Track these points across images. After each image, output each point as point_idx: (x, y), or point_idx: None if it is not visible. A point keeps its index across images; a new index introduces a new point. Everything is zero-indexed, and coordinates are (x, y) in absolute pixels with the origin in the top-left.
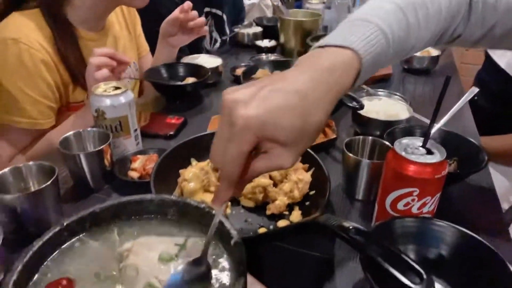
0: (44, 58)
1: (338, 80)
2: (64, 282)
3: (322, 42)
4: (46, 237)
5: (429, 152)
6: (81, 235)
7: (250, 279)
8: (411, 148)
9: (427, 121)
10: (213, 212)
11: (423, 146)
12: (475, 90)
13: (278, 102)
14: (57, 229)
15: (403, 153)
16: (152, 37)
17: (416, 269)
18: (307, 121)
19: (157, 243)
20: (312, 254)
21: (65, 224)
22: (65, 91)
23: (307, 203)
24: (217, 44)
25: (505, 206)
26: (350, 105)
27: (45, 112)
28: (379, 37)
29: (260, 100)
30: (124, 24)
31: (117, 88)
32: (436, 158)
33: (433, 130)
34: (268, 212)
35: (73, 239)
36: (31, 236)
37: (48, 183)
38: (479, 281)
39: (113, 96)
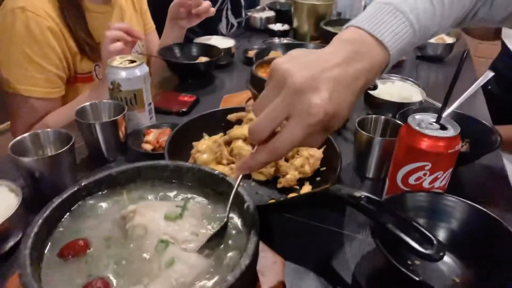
0: (50, 26)
1: (365, 65)
2: (81, 242)
3: (355, 22)
4: (65, 195)
5: (443, 128)
6: (96, 196)
7: (261, 245)
8: (424, 123)
9: (440, 105)
10: (227, 178)
11: (437, 121)
12: (490, 74)
13: (344, 97)
14: (75, 188)
15: (416, 128)
16: (158, 17)
17: (426, 235)
18: (348, 110)
19: (159, 205)
20: (322, 226)
21: (83, 184)
22: (72, 61)
23: (318, 178)
24: (234, 28)
25: None
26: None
27: (53, 81)
28: (407, 28)
29: (329, 91)
30: (130, 0)
31: (132, 61)
32: (449, 133)
33: (447, 112)
34: (279, 186)
35: (89, 200)
36: (47, 199)
37: (65, 148)
38: (489, 255)
39: (128, 69)
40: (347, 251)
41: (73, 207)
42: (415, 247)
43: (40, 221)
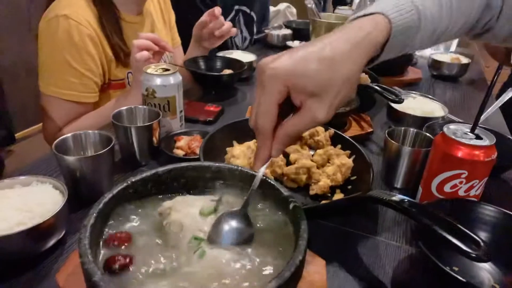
0: (90, 34)
1: (367, 36)
2: (123, 235)
3: (353, 16)
4: (115, 190)
5: (478, 137)
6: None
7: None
8: (460, 132)
9: (462, 120)
10: (267, 178)
11: (472, 131)
12: (511, 91)
13: (305, 53)
14: (124, 185)
15: (453, 136)
16: (183, 35)
17: (472, 237)
18: (335, 71)
19: (194, 200)
20: (356, 232)
21: (130, 182)
22: (108, 67)
23: (349, 187)
24: (246, 42)
25: None
26: (391, 98)
27: (89, 86)
28: (411, 7)
29: (287, 54)
30: (161, 14)
31: (166, 69)
32: (486, 142)
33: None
34: (311, 192)
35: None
36: (85, 199)
37: (107, 149)
38: None
39: (163, 76)
40: (382, 256)
41: (122, 203)
42: (463, 248)
43: (95, 214)
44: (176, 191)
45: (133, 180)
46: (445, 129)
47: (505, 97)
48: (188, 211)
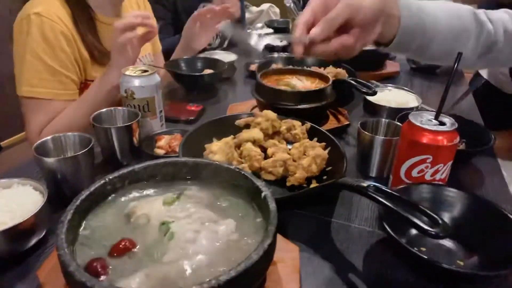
0: (63, 31)
1: None
2: (127, 243)
3: None
4: (92, 188)
5: (442, 123)
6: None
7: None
8: (425, 119)
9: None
10: (243, 172)
11: (436, 118)
12: (482, 79)
13: None
14: (101, 182)
15: (418, 123)
16: None
17: (432, 216)
18: None
19: (158, 197)
20: (331, 220)
21: (107, 178)
22: (83, 67)
23: (324, 177)
24: (218, 39)
25: None
26: (364, 90)
27: (66, 83)
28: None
29: None
30: (138, 10)
31: (145, 71)
32: (448, 127)
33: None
34: (288, 184)
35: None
36: (68, 200)
37: (85, 150)
38: (490, 239)
39: (142, 77)
40: (356, 241)
41: (98, 202)
42: (423, 227)
43: (72, 210)
44: (154, 186)
45: (111, 177)
46: (411, 116)
47: (475, 85)
48: (152, 205)
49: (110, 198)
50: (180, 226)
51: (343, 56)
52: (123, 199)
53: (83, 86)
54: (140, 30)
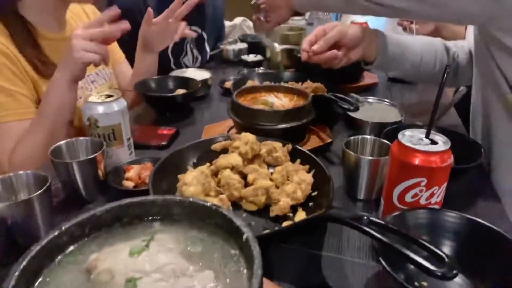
0: (2, 49)
1: None
2: None
3: None
4: (44, 241)
5: (433, 142)
6: (79, 242)
7: (263, 279)
8: (415, 139)
9: (420, 123)
10: (220, 209)
11: (427, 136)
12: (464, 90)
13: None
14: (55, 233)
15: (409, 144)
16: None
17: (436, 253)
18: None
19: (124, 246)
20: (321, 253)
21: (63, 228)
22: (34, 87)
23: (310, 204)
24: (198, 62)
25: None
26: (345, 106)
27: (23, 101)
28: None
29: None
30: None
31: (109, 96)
32: (441, 146)
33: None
34: (271, 214)
35: (70, 247)
36: (22, 249)
37: (40, 191)
38: (496, 268)
39: (106, 103)
40: (349, 277)
41: (54, 256)
42: (427, 266)
43: (17, 272)
44: (119, 232)
45: (67, 226)
46: (400, 136)
47: (458, 97)
48: (116, 256)
49: (67, 251)
50: (149, 284)
51: (332, 65)
52: (82, 250)
53: (37, 106)
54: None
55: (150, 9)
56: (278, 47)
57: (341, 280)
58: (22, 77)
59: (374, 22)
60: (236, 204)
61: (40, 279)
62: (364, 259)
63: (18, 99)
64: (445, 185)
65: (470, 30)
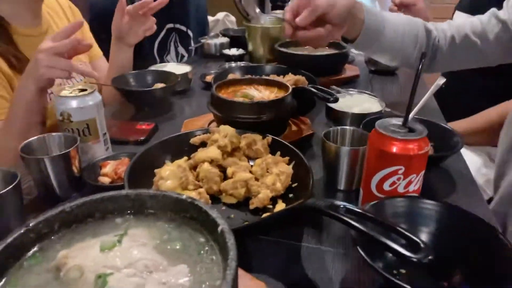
0: None
1: None
2: None
3: None
4: (9, 239)
5: (411, 130)
6: (48, 239)
7: (240, 271)
8: (392, 127)
9: (399, 113)
10: (196, 202)
11: (404, 124)
12: (442, 80)
13: None
14: (21, 230)
15: (386, 132)
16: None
17: (412, 240)
18: None
19: (95, 242)
20: (300, 244)
21: (30, 225)
22: (10, 84)
23: (290, 195)
24: (184, 59)
25: (479, 180)
26: (326, 97)
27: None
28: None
29: None
30: (64, 17)
31: (83, 90)
32: (418, 134)
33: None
34: (251, 207)
35: (38, 245)
36: None
37: (8, 188)
38: (473, 254)
39: (79, 97)
40: (329, 267)
41: (20, 256)
42: (403, 253)
43: None
44: (90, 228)
45: (34, 222)
46: (377, 124)
47: (436, 87)
48: (87, 252)
49: (34, 249)
50: (120, 279)
51: (316, 44)
52: (51, 248)
53: None
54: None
55: (122, 3)
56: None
57: (321, 271)
58: None
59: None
60: (215, 198)
61: (4, 280)
62: (344, 249)
63: None
64: (422, 173)
65: (458, 16)
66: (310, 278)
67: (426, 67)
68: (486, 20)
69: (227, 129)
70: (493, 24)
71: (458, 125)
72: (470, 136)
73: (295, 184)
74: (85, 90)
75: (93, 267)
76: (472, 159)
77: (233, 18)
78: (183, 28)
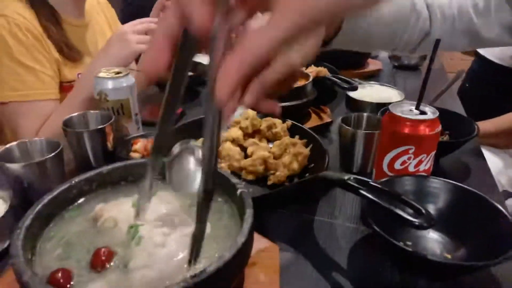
0: (32, 30)
1: None
2: (60, 274)
3: None
4: (55, 192)
5: (423, 113)
6: (87, 196)
7: (256, 235)
8: (405, 110)
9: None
10: (218, 170)
11: (417, 108)
12: (463, 72)
13: None
14: (66, 185)
15: (399, 113)
16: None
17: (415, 207)
18: None
19: (127, 200)
20: (313, 218)
21: (73, 182)
22: (57, 68)
23: (307, 175)
24: None
25: (502, 180)
26: (345, 86)
27: (47, 82)
28: None
29: None
30: (106, 20)
31: (118, 72)
32: (429, 116)
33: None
34: (269, 183)
35: (78, 200)
36: None
37: (53, 154)
38: (477, 230)
39: (115, 79)
40: (340, 239)
41: (64, 207)
42: (406, 218)
43: (31, 216)
44: (124, 189)
45: (77, 180)
46: (391, 107)
47: (457, 77)
48: (120, 208)
49: (76, 203)
50: (150, 230)
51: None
52: (90, 203)
53: (60, 89)
54: None
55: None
56: None
57: (330, 241)
58: (48, 57)
59: None
60: (236, 175)
61: (51, 224)
62: (355, 224)
63: (42, 79)
64: (433, 153)
65: None
66: (321, 246)
67: (412, 50)
68: None
69: (248, 112)
70: (498, 3)
71: (483, 126)
72: (494, 138)
73: (311, 165)
74: (120, 72)
75: (126, 219)
76: (495, 160)
77: None
78: None
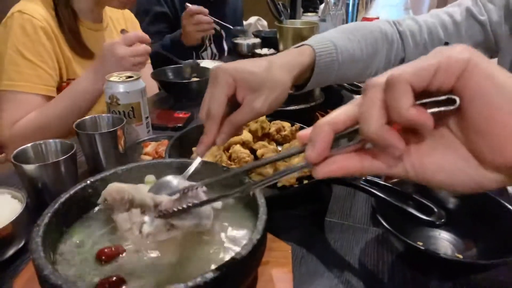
0: (44, 27)
1: (296, 57)
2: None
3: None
4: (72, 191)
5: None
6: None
7: (269, 235)
8: None
9: None
10: (230, 169)
11: None
12: None
13: (251, 61)
14: (82, 185)
15: None
16: None
17: (426, 205)
18: (271, 74)
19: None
20: (324, 219)
21: (89, 181)
22: (66, 65)
23: None
24: (216, 57)
25: None
26: (353, 88)
27: (45, 78)
28: (327, 40)
29: (236, 61)
30: (125, 25)
31: (129, 76)
32: None
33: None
34: (279, 184)
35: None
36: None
37: (67, 155)
38: (488, 230)
39: (126, 83)
40: (350, 239)
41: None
42: (418, 215)
43: (50, 214)
44: None
45: (92, 179)
46: None
47: None
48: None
49: (91, 202)
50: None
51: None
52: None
53: (66, 85)
54: None
55: (188, 5)
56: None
57: (341, 241)
58: (54, 56)
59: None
60: (246, 174)
61: (68, 222)
62: (365, 225)
63: (40, 75)
64: None
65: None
66: (333, 247)
67: None
68: (460, 20)
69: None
70: (469, 25)
71: None
72: None
73: None
74: (132, 77)
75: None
76: None
77: (264, 22)
78: (217, 27)
